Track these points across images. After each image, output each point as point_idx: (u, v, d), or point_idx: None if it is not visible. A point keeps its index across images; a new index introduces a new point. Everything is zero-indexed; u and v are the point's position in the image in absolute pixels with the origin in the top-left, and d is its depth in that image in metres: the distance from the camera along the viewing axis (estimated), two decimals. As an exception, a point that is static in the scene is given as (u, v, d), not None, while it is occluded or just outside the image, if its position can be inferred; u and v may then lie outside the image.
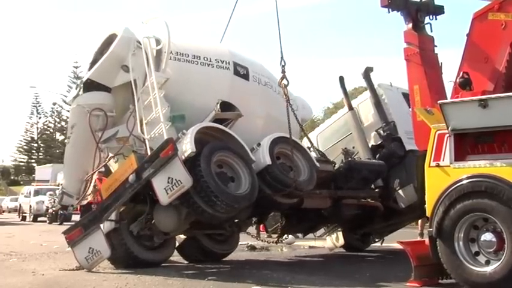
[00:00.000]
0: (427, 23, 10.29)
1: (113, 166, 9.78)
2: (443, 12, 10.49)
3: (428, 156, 7.06)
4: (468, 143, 6.92)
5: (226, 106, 9.39)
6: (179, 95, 9.39)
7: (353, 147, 11.82)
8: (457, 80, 8.56)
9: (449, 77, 9.78)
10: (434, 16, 10.39)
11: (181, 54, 9.76)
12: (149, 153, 8.66)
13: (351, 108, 12.04)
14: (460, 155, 6.82)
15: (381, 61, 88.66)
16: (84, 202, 10.06)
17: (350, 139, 12.01)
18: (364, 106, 12.02)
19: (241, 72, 10.15)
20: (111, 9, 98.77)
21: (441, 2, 10.50)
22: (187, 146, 8.39)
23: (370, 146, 11.62)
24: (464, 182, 6.60)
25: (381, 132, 11.41)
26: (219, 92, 9.69)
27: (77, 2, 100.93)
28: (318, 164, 10.01)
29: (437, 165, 6.92)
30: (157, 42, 9.53)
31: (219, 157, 8.76)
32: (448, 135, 6.87)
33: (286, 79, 9.92)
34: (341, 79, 12.55)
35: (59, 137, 77.87)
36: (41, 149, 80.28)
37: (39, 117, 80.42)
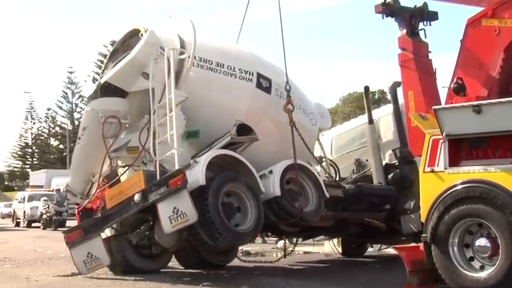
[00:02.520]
0: (421, 29, 10.37)
1: (121, 171, 9.63)
2: (437, 18, 10.56)
3: (422, 161, 7.07)
4: (462, 149, 6.94)
5: (242, 127, 9.09)
6: (197, 105, 9.11)
7: (366, 160, 11.68)
8: (451, 86, 8.62)
9: (444, 82, 9.86)
10: (428, 22, 10.46)
11: (205, 60, 9.42)
12: (158, 171, 8.50)
13: (371, 121, 11.64)
14: (454, 161, 6.82)
15: (375, 67, 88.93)
16: (87, 204, 9.98)
17: (365, 151, 11.79)
18: (385, 121, 11.71)
19: (263, 85, 9.83)
20: (108, 15, 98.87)
21: (435, 8, 10.57)
22: (197, 177, 8.22)
23: (384, 163, 11.35)
24: (459, 187, 6.60)
25: (397, 153, 11.02)
26: (239, 106, 9.48)
27: (72, 9, 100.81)
28: (327, 194, 9.73)
29: (432, 171, 6.92)
30: (182, 46, 9.22)
31: (229, 188, 8.65)
32: (442, 140, 6.87)
33: (292, 104, 9.65)
34: (366, 89, 12.24)
35: (53, 142, 77.67)
36: (35, 154, 79.96)
37: (34, 123, 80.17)
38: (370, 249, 13.07)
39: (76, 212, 10.83)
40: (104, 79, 9.42)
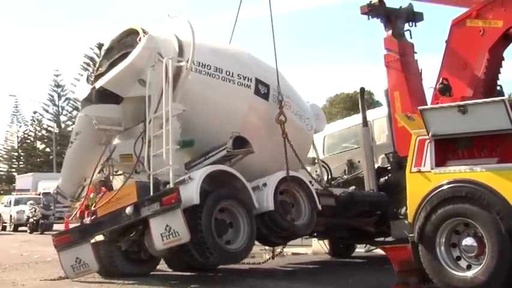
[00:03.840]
0: (407, 30, 10.43)
1: (114, 178, 9.55)
2: (423, 19, 10.63)
3: (409, 162, 7.11)
4: (448, 149, 6.98)
5: (238, 139, 8.95)
6: (193, 112, 8.91)
7: (358, 162, 11.63)
8: (437, 86, 8.67)
9: (429, 83, 9.90)
10: (413, 23, 10.52)
11: (203, 65, 9.17)
12: (152, 184, 8.39)
13: (365, 124, 11.40)
14: (440, 161, 6.87)
15: (361, 68, 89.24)
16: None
17: (357, 152, 11.70)
18: (379, 124, 11.49)
19: (262, 91, 9.60)
20: (94, 18, 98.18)
21: (420, 9, 10.63)
22: (192, 195, 8.11)
23: (376, 167, 11.24)
24: (445, 187, 6.65)
25: (390, 157, 10.86)
26: (236, 113, 9.34)
27: (58, 12, 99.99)
28: (319, 207, 9.62)
29: (419, 171, 6.96)
30: (180, 47, 9.08)
31: (223, 205, 8.56)
32: (428, 141, 6.92)
33: (284, 115, 9.49)
34: (362, 91, 12.10)
35: (39, 145, 77.05)
36: (22, 158, 79.22)
37: (20, 126, 79.43)
38: (361, 250, 13.08)
39: (78, 214, 10.74)
40: (100, 84, 9.24)
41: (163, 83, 8.59)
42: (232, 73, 9.38)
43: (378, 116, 11.83)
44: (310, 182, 10.00)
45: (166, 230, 7.90)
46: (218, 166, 8.84)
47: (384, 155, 11.22)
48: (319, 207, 9.62)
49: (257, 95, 9.58)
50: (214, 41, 10.33)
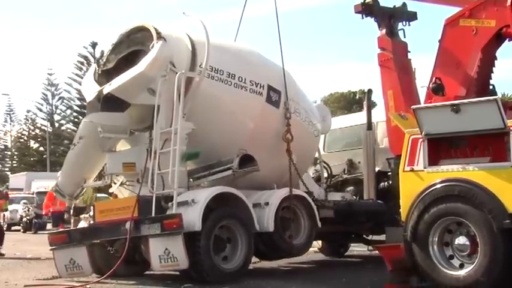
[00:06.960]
0: (401, 29, 10.43)
1: (114, 186, 9.55)
2: (416, 19, 10.65)
3: (402, 161, 7.13)
4: (441, 148, 7.00)
5: (245, 157, 8.81)
6: (202, 119, 8.72)
7: (359, 162, 11.55)
8: (430, 86, 8.70)
9: (423, 82, 9.92)
10: (407, 22, 10.53)
11: (216, 70, 8.79)
12: (153, 200, 8.25)
13: (369, 127, 11.16)
14: (433, 160, 6.89)
15: (355, 67, 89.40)
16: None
17: (358, 153, 11.55)
18: (384, 127, 11.12)
19: (273, 98, 9.30)
20: (87, 17, 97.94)
21: (414, 8, 10.66)
22: (194, 221, 7.96)
23: (377, 170, 11.09)
24: (438, 186, 6.68)
25: (391, 163, 10.52)
26: (246, 122, 9.13)
27: (51, 11, 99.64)
28: (319, 224, 9.56)
29: (412, 170, 6.99)
30: (193, 47, 8.79)
31: (222, 224, 8.47)
32: (421, 140, 6.94)
33: (291, 134, 9.27)
34: (369, 92, 11.93)
35: (33, 144, 76.86)
36: (15, 157, 79.06)
37: (13, 125, 79.29)
38: (357, 249, 13.08)
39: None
40: (107, 90, 8.95)
41: (175, 96, 8.39)
42: (245, 79, 9.04)
43: (382, 119, 11.38)
44: (311, 195, 9.88)
45: (165, 254, 7.78)
46: (223, 188, 8.66)
47: (386, 160, 11.00)
48: (319, 224, 9.57)
49: (268, 103, 9.30)
50: (224, 40, 9.94)
